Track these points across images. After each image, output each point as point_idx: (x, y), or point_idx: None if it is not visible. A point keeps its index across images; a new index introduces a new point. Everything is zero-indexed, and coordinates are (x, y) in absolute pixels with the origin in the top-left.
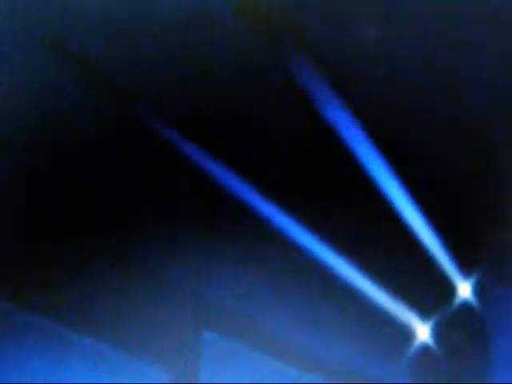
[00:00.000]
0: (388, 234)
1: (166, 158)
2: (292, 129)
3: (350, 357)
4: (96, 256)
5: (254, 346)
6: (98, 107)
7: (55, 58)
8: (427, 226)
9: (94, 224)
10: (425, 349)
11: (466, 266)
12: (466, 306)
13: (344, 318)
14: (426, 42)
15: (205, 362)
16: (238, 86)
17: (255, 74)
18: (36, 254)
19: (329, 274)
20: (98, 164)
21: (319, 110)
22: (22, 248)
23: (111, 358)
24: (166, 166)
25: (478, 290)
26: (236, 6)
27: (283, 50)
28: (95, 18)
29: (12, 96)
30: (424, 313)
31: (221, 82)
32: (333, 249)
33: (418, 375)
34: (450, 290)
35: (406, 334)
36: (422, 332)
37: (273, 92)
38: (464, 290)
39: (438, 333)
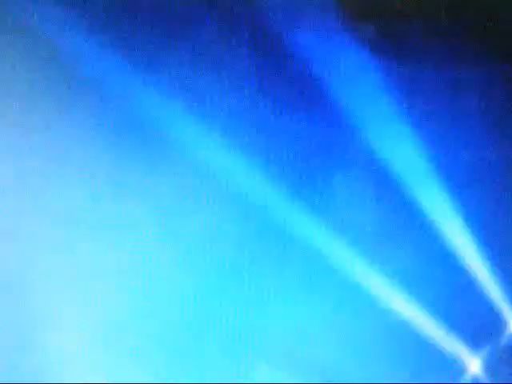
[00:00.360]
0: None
1: None
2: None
3: None
4: None
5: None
6: None
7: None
8: (479, 254)
9: None
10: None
11: None
12: None
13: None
14: None
15: None
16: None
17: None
18: None
19: (384, 307)
20: None
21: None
22: None
23: None
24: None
25: None
26: None
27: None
28: None
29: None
30: (475, 345)
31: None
32: (387, 281)
33: None
34: (501, 321)
35: (457, 366)
36: (473, 364)
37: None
38: None
39: (489, 365)
